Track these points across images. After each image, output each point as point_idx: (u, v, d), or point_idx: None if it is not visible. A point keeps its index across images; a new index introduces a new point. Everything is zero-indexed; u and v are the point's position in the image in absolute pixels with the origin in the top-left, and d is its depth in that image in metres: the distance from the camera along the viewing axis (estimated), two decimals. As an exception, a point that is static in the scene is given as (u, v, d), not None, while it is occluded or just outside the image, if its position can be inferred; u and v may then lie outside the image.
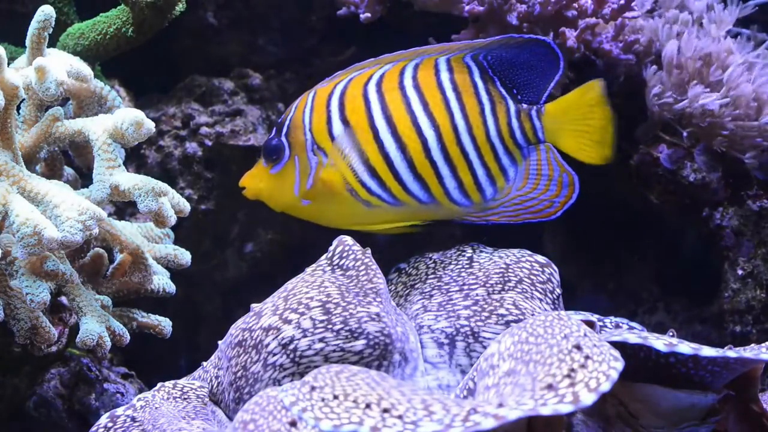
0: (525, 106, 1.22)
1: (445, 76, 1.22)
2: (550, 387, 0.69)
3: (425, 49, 1.24)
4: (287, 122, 1.21)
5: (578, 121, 1.23)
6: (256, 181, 1.23)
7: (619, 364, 0.71)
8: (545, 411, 0.66)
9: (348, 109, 1.20)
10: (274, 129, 1.23)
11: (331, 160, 1.20)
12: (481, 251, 1.13)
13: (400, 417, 0.66)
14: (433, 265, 1.12)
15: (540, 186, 1.24)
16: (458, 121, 1.21)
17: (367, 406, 0.68)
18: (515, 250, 1.09)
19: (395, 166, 1.19)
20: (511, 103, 1.23)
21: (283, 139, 1.21)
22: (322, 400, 0.69)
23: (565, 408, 0.66)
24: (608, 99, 1.24)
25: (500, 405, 0.67)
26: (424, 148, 1.20)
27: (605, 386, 0.68)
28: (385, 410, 0.67)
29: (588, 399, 0.67)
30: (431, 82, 1.21)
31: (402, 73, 1.21)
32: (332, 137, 1.20)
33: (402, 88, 1.21)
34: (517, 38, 1.24)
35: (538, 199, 1.24)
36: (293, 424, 0.75)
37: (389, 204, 1.20)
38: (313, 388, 0.71)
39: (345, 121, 1.19)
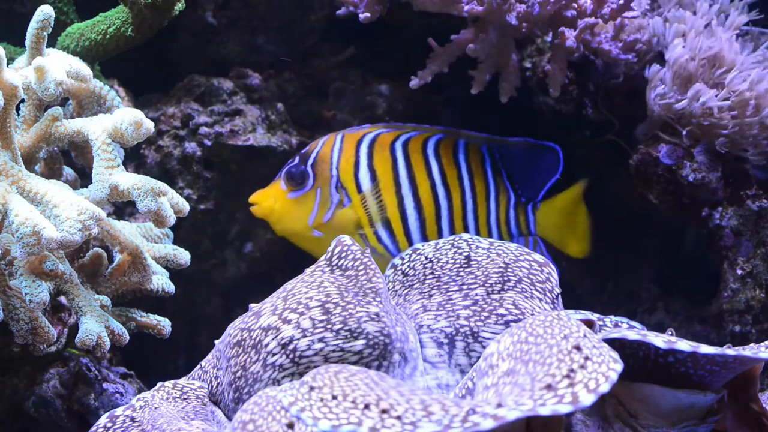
0: (524, 200, 1.34)
1: (462, 156, 1.31)
2: (549, 387, 0.69)
3: (447, 129, 1.35)
4: (314, 154, 1.28)
5: (566, 218, 1.38)
6: (269, 201, 1.29)
7: (619, 366, 0.71)
8: (544, 411, 0.66)
9: (376, 158, 1.27)
10: (297, 157, 1.29)
11: (351, 200, 1.26)
12: (478, 246, 1.13)
13: (398, 418, 0.66)
14: (429, 264, 1.11)
15: None
16: (468, 200, 1.31)
17: (366, 406, 0.68)
18: (513, 247, 1.10)
19: (408, 223, 1.27)
20: (512, 195, 1.32)
21: (309, 168, 1.26)
22: (321, 400, 0.69)
23: (564, 408, 0.66)
24: (582, 197, 1.41)
25: (499, 405, 0.67)
26: (437, 214, 1.29)
27: (604, 387, 0.68)
28: (384, 411, 0.67)
29: (587, 400, 0.67)
30: (450, 157, 1.34)
31: (426, 141, 1.31)
32: (357, 180, 1.26)
33: (425, 154, 1.29)
34: (532, 143, 1.39)
35: None
36: (291, 425, 0.75)
37: (391, 255, 1.26)
38: (311, 388, 0.71)
39: (371, 168, 1.26)
